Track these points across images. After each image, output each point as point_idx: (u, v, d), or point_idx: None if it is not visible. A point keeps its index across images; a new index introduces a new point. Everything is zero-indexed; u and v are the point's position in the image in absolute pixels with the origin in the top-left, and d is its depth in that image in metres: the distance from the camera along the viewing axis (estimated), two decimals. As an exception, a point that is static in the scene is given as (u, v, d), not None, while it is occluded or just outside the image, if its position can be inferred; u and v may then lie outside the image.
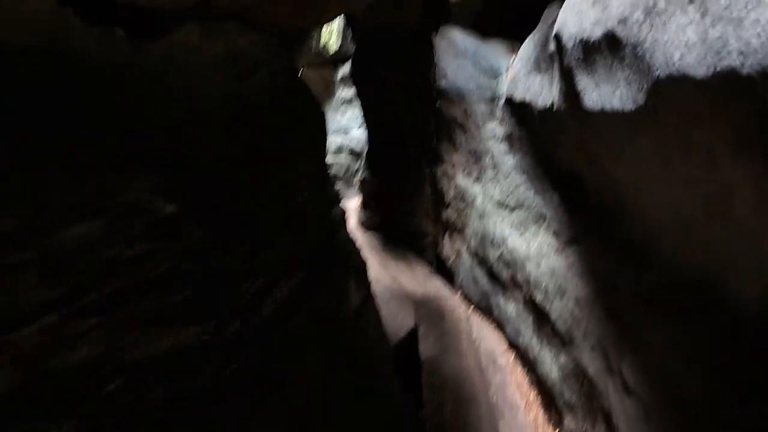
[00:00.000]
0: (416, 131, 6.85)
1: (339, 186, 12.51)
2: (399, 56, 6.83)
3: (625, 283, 2.90)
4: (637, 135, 2.10)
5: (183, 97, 2.85)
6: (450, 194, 5.91)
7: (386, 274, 6.20)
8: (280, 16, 4.23)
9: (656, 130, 1.91)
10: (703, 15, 1.46)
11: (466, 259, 5.43)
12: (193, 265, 2.46)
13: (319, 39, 11.04)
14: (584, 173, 3.25)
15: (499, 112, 4.98)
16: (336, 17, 4.65)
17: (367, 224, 8.07)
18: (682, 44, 1.54)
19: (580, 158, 3.18)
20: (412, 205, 7.20)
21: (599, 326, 3.18)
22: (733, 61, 1.32)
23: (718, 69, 1.38)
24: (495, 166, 4.93)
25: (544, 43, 3.76)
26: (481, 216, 5.07)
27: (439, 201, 6.28)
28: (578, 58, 2.44)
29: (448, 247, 6.08)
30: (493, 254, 4.73)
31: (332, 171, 12.57)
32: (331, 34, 12.36)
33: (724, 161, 1.59)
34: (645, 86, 1.83)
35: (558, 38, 2.72)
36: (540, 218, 4.06)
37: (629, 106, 2.00)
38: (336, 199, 4.51)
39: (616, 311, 2.99)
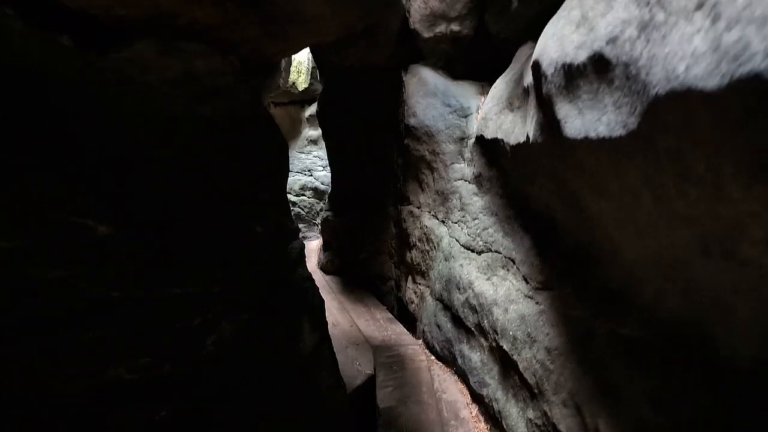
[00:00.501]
0: (382, 170, 6.66)
1: (301, 227, 12.17)
2: (367, 94, 6.70)
3: (601, 332, 2.66)
4: (624, 165, 1.90)
5: (134, 115, 2.60)
6: (415, 235, 5.67)
7: (345, 318, 5.84)
8: (246, 39, 3.99)
9: (649, 159, 1.70)
10: (715, 20, 1.28)
11: (430, 304, 5.14)
12: (125, 293, 2.12)
13: (287, 77, 10.91)
14: (559, 213, 3.05)
15: (468, 152, 4.83)
16: (303, 46, 4.45)
17: (327, 267, 7.73)
18: (687, 55, 1.35)
19: (556, 196, 2.98)
20: (375, 247, 6.93)
21: (573, 379, 2.91)
22: (756, 65, 1.13)
23: (736, 77, 1.18)
24: (463, 208, 4.73)
25: (518, 80, 3.64)
26: (447, 258, 4.83)
27: (404, 242, 6.03)
28: (559, 86, 2.27)
29: (412, 290, 5.79)
30: (458, 299, 4.46)
31: (295, 211, 12.27)
32: (300, 72, 12.28)
33: (734, 191, 1.38)
34: (638, 108, 1.64)
35: (537, 66, 2.56)
36: (509, 262, 3.84)
37: (618, 131, 1.80)
38: (295, 233, 4.20)
39: (592, 363, 2.73)
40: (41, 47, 2.21)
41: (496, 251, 4.07)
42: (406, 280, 6.01)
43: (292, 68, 12.35)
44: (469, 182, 4.70)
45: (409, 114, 5.58)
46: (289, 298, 3.70)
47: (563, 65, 2.22)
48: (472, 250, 4.44)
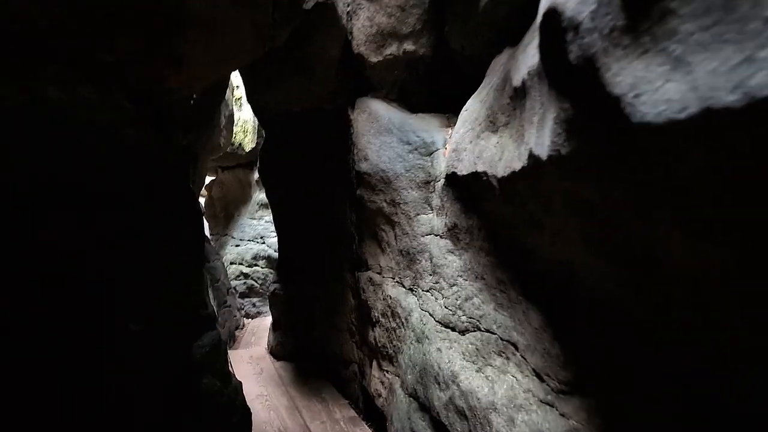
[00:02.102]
0: (335, 230, 5.53)
1: (255, 301, 10.80)
2: (311, 141, 5.67)
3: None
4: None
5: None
6: (377, 309, 4.47)
7: (296, 423, 4.51)
8: (129, 61, 2.94)
9: None
10: None
11: (402, 401, 3.87)
12: None
13: (230, 136, 9.88)
14: (593, 271, 1.93)
15: (436, 198, 3.75)
16: (213, 74, 3.40)
17: (277, 351, 6.40)
18: None
19: (585, 245, 1.87)
20: (332, 323, 5.69)
21: None
22: None
23: None
24: (435, 271, 3.60)
25: (501, 87, 2.60)
26: (419, 339, 3.63)
27: (365, 318, 4.81)
28: (614, 30, 1.19)
29: (378, 379, 4.52)
30: (438, 397, 3.23)
31: (248, 283, 10.91)
32: (246, 131, 11.31)
33: None
34: None
35: (553, 18, 1.50)
36: (508, 346, 2.68)
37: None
38: (206, 323, 2.97)
39: None
40: None
41: (486, 330, 2.91)
42: (371, 366, 4.74)
43: (237, 128, 11.40)
44: (441, 237, 3.59)
45: (360, 158, 4.51)
46: (192, 422, 2.44)
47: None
48: (453, 329, 3.27)
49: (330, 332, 5.76)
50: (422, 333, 3.60)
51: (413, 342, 3.74)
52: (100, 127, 2.59)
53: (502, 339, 2.75)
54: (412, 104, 4.49)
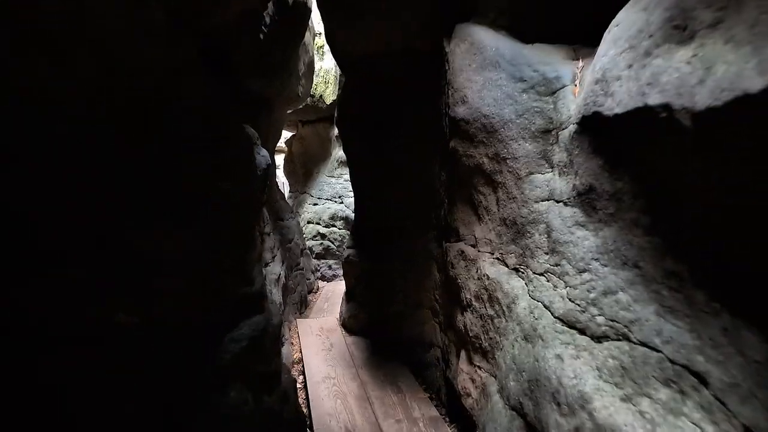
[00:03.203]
0: (420, 191, 4.69)
1: (332, 263, 10.27)
2: (394, 85, 4.79)
3: None
4: None
5: None
6: (470, 290, 3.61)
7: (365, 419, 3.81)
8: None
9: None
10: None
11: (500, 411, 3.03)
12: None
13: (309, 85, 9.18)
14: None
15: (560, 152, 2.80)
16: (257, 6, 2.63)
17: (350, 324, 5.72)
18: None
19: None
20: (412, 298, 4.91)
21: None
22: None
23: None
24: (554, 249, 2.68)
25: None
26: (529, 338, 2.75)
27: (453, 297, 3.98)
28: None
29: (467, 375, 3.70)
30: (558, 423, 2.35)
31: (324, 244, 10.39)
32: (327, 82, 10.58)
33: None
34: None
35: None
36: (685, 375, 1.75)
37: None
38: (251, 304, 2.25)
39: None
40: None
41: (642, 343, 1.99)
42: (457, 356, 3.92)
43: (318, 78, 10.72)
44: (566, 204, 2.65)
45: (456, 101, 3.61)
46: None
47: None
48: (582, 331, 2.37)
49: (409, 309, 5.00)
50: (533, 330, 2.72)
51: (519, 339, 2.86)
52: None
53: (672, 362, 1.82)
54: (527, 33, 3.49)
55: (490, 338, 3.30)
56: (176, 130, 2.09)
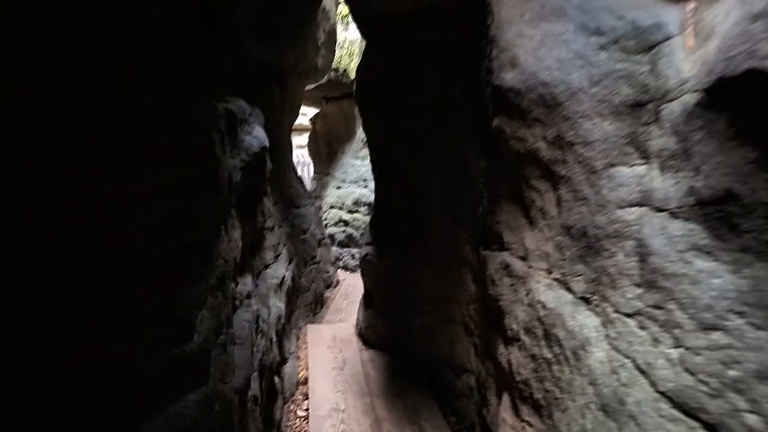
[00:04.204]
0: (451, 182, 3.80)
1: (354, 252, 9.49)
2: (422, 52, 3.91)
3: None
4: None
5: None
6: (517, 317, 2.72)
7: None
8: None
9: None
10: None
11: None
12: None
13: (330, 56, 8.30)
14: None
15: (663, 137, 1.87)
16: None
17: (367, 335, 4.90)
18: None
19: None
20: (441, 310, 4.06)
21: None
22: None
23: None
24: (654, 283, 1.77)
25: None
26: (611, 411, 1.86)
27: (494, 321, 3.10)
28: None
29: (510, 428, 2.83)
30: None
31: (347, 231, 9.60)
32: (352, 54, 9.66)
33: None
34: None
35: None
36: None
37: None
38: (187, 375, 1.31)
39: None
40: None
41: None
42: (498, 397, 3.05)
43: (342, 51, 9.83)
44: (675, 215, 1.75)
45: (502, 64, 2.69)
46: None
47: None
48: (710, 427, 1.47)
49: (438, 323, 4.13)
50: (618, 402, 1.83)
51: (594, 408, 1.98)
52: None
53: None
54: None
55: (546, 390, 2.41)
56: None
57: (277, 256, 4.34)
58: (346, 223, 9.89)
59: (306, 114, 12.48)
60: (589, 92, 2.23)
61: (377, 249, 4.81)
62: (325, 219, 10.10)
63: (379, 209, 5.09)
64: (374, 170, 5.18)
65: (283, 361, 4.20)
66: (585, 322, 2.18)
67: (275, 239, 4.39)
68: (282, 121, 6.81)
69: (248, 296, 2.81)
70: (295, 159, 14.63)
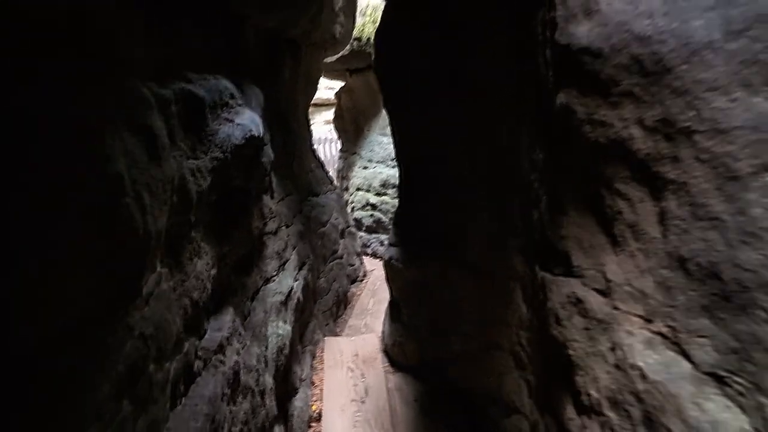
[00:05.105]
0: (495, 175, 2.98)
1: (382, 237, 8.80)
2: (457, 8, 3.05)
3: None
4: None
5: None
6: (597, 379, 1.91)
7: None
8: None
9: None
10: None
11: None
12: None
13: (350, 23, 7.47)
14: None
15: None
16: None
17: (395, 353, 4.16)
18: None
19: None
20: (482, 336, 3.28)
21: None
22: None
23: None
24: None
25: None
26: None
27: (559, 369, 2.29)
28: None
29: None
30: None
31: (375, 216, 8.86)
32: (375, 21, 8.85)
33: None
34: None
35: None
36: None
37: None
38: None
39: None
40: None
41: None
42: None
43: (366, 18, 8.97)
44: None
45: (572, 12, 1.85)
46: None
47: None
48: None
49: (480, 349, 3.35)
50: None
51: None
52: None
53: None
54: None
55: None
56: None
57: (282, 264, 3.63)
58: (374, 206, 9.14)
59: (333, 87, 11.80)
60: (726, 48, 1.38)
61: (403, 252, 4.03)
62: (352, 202, 9.41)
63: (403, 203, 4.29)
64: (397, 156, 4.38)
65: (293, 391, 3.52)
66: (721, 417, 1.38)
67: (280, 244, 3.68)
68: (296, 99, 6.04)
69: (220, 348, 2.09)
70: (321, 135, 13.81)
